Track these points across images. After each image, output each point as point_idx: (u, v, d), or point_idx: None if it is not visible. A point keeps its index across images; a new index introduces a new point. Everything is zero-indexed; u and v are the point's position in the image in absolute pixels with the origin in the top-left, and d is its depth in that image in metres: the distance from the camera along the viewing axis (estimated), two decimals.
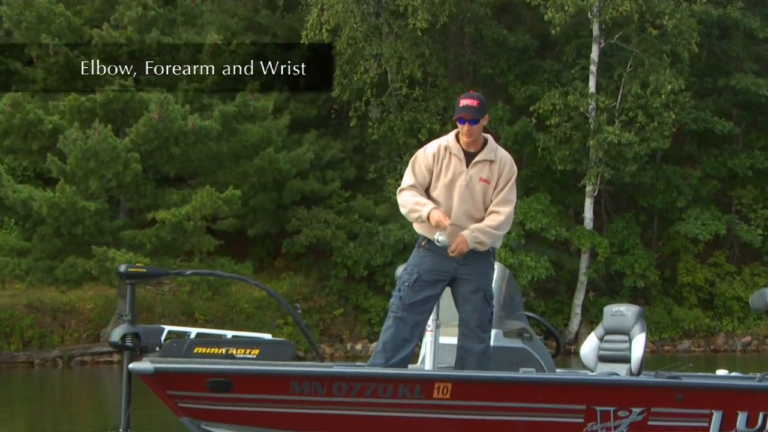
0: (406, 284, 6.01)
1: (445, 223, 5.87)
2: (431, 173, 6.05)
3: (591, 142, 22.80)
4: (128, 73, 19.17)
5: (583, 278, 24.08)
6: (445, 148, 6.03)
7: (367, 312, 23.44)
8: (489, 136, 6.17)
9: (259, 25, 26.72)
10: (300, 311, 21.85)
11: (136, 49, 19.45)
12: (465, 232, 5.93)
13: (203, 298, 21.16)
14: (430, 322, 6.13)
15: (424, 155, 6.08)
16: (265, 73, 22.23)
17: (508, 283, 6.65)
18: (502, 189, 6.04)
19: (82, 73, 18.60)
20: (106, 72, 18.71)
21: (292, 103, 25.05)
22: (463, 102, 6.04)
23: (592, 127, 23.14)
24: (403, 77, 23.13)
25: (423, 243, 6.06)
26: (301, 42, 23.26)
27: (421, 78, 22.90)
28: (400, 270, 6.22)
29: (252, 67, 20.28)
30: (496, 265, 6.47)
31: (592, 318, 23.67)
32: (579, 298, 24.10)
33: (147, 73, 19.42)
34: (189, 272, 7.11)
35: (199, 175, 20.50)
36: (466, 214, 6.01)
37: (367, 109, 24.49)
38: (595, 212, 24.23)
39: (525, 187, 24.46)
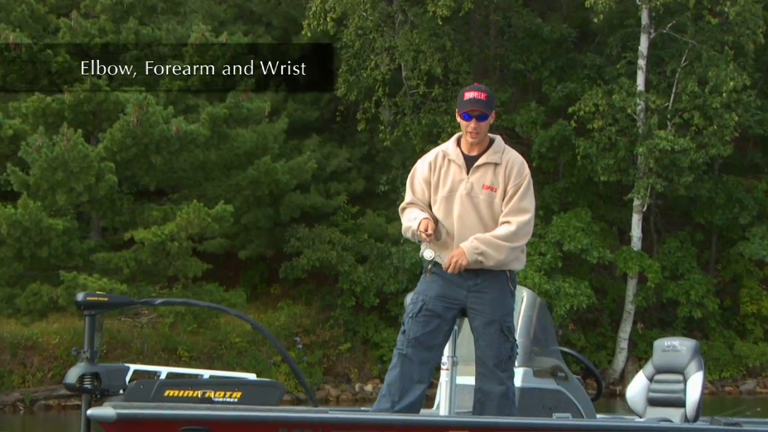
0: (410, 316, 5.94)
1: (423, 235, 5.78)
2: (430, 186, 6.02)
3: (639, 149, 22.44)
4: (101, 69, 18.77)
5: (630, 307, 23.75)
6: (443, 155, 5.99)
7: (379, 347, 23.09)
8: (496, 137, 6.07)
9: (252, 13, 26.78)
10: (300, 346, 22.29)
11: (111, 42, 19.22)
12: (464, 243, 5.83)
13: (187, 331, 20.96)
14: (444, 359, 6.05)
15: (422, 166, 6.06)
16: (259, 69, 22.21)
17: (538, 312, 6.60)
18: (513, 196, 5.90)
19: (48, 69, 18.32)
20: (76, 68, 18.42)
21: (290, 103, 25.02)
22: (469, 94, 5.96)
23: (640, 131, 22.78)
24: (420, 73, 22.82)
25: (429, 266, 5.98)
26: (302, 33, 23.01)
27: (441, 74, 22.57)
28: (408, 299, 6.16)
29: (244, 63, 20.09)
30: (525, 292, 6.51)
31: (640, 354, 23.50)
32: (625, 331, 23.81)
33: (123, 69, 19.05)
34: (159, 301, 6.89)
35: (183, 187, 20.21)
36: (471, 229, 5.91)
37: (378, 111, 24.30)
38: (643, 230, 23.89)
39: (562, 202, 24.26)
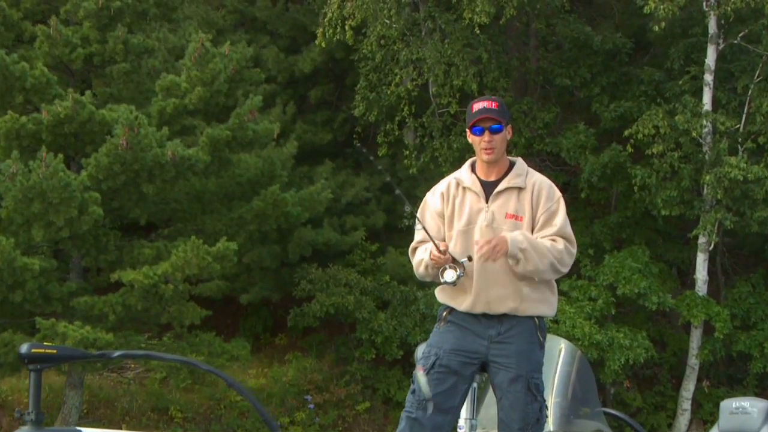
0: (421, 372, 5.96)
1: (435, 254, 5.77)
2: (444, 220, 6.06)
3: (706, 178, 22.21)
4: (85, 84, 18.80)
5: (693, 362, 23.51)
6: (457, 183, 6.04)
7: (402, 407, 22.62)
8: (517, 159, 6.10)
9: (254, 20, 26.96)
10: (312, 406, 22.05)
11: (96, 52, 19.01)
12: (510, 233, 5.79)
13: (180, 388, 20.94)
14: (461, 422, 6.08)
15: (432, 198, 6.13)
16: (263, 84, 22.23)
17: (579, 368, 6.71)
18: (550, 220, 5.89)
19: (22, 84, 18.02)
20: (55, 83, 18.27)
21: (299, 124, 25.25)
22: (478, 105, 5.98)
23: (707, 157, 22.56)
24: (452, 90, 22.66)
25: (444, 314, 6.01)
26: (316, 43, 23.03)
27: (476, 90, 22.34)
28: (419, 352, 6.23)
29: (249, 78, 20.29)
30: (564, 344, 6.80)
31: (705, 416, 23.35)
32: (688, 389, 23.57)
33: (110, 84, 19.11)
34: (117, 354, 6.63)
35: (177, 221, 20.06)
36: (494, 267, 5.87)
37: (402, 133, 24.28)
38: (710, 273, 23.69)
39: (615, 239, 24.05)
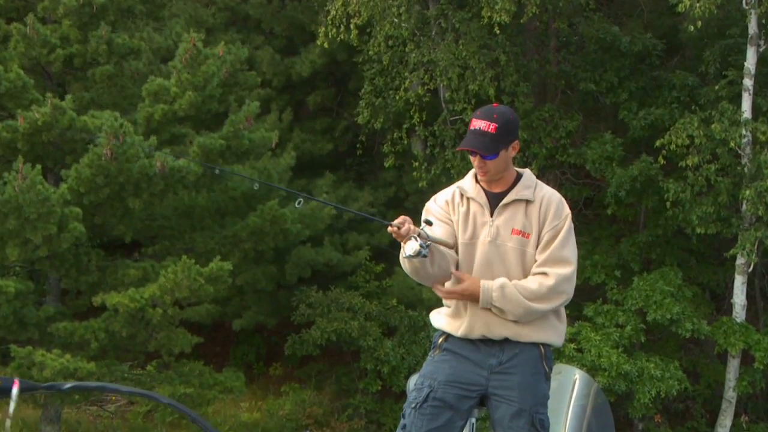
0: (413, 406, 5.88)
1: (395, 229, 5.56)
2: (451, 223, 6.01)
3: (746, 193, 22.09)
4: (64, 88, 18.74)
5: (731, 395, 23.36)
6: (461, 194, 6.00)
7: None
8: (525, 171, 6.07)
9: (247, 18, 27.11)
10: None
11: (76, 53, 19.06)
12: (486, 282, 5.77)
13: (167, 423, 20.87)
14: None
15: (435, 205, 6.07)
16: (258, 88, 22.24)
17: (595, 402, 6.63)
18: (551, 242, 5.83)
19: None
20: (32, 87, 18.27)
21: (296, 132, 25.15)
22: (475, 125, 5.85)
23: (747, 170, 22.47)
24: (466, 95, 22.64)
25: (440, 341, 5.97)
26: (317, 43, 23.02)
27: (493, 96, 22.36)
28: (411, 383, 6.16)
29: (244, 81, 20.24)
30: (578, 375, 6.64)
31: None
32: (724, 425, 23.40)
33: (91, 88, 19.09)
34: (67, 386, 6.59)
35: (163, 239, 20.07)
36: None
37: (410, 142, 24.21)
38: (749, 297, 23.50)
39: (644, 259, 23.96)
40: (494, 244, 5.82)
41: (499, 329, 5.81)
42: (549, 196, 5.92)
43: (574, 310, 23.03)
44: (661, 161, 22.76)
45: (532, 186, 5.93)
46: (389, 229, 5.57)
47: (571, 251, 5.85)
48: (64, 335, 18.01)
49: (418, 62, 23.14)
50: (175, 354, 19.11)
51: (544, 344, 5.85)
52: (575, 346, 21.49)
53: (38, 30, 18.73)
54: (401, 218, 5.60)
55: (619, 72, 24.50)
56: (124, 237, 19.19)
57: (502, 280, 5.76)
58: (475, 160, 5.82)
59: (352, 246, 24.10)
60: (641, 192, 23.39)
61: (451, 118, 23.78)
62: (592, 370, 21.02)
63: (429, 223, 5.72)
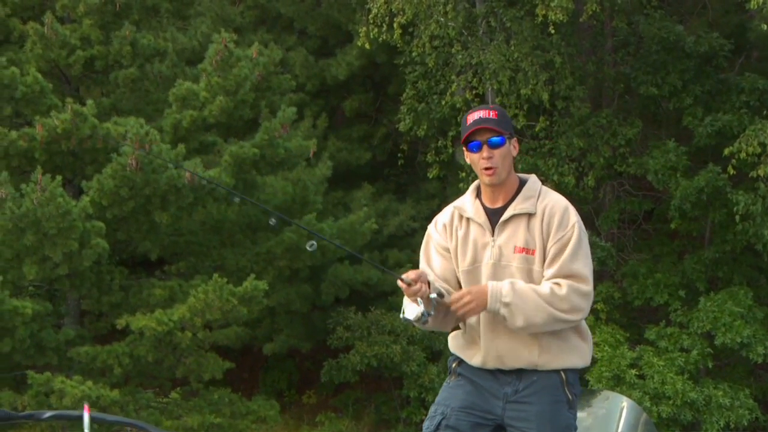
0: None
1: (403, 284, 5.52)
2: (449, 255, 5.93)
3: None
4: (85, 93, 18.79)
5: None
6: (460, 214, 5.91)
7: None
8: (530, 176, 5.95)
9: (278, 17, 27.07)
10: None
11: (98, 55, 19.10)
12: (494, 282, 5.65)
13: None
14: None
15: (435, 232, 6.00)
16: (290, 92, 22.12)
17: None
18: (558, 255, 5.68)
19: (11, 94, 18.06)
20: (50, 92, 18.27)
21: (331, 140, 25.05)
22: (472, 116, 5.79)
23: None
24: (518, 100, 22.44)
25: (454, 365, 5.97)
26: (358, 44, 22.90)
27: (547, 101, 22.12)
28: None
29: (279, 85, 20.23)
30: (626, 402, 6.61)
31: None
32: None
33: (115, 92, 19.18)
34: (47, 415, 6.95)
35: (190, 255, 20.10)
36: None
37: (455, 151, 24.06)
38: None
39: (710, 277, 23.70)
40: (498, 266, 5.74)
41: (512, 361, 5.75)
42: (552, 205, 5.77)
43: (635, 333, 22.79)
44: (731, 171, 22.47)
45: (534, 196, 5.80)
46: (399, 283, 5.51)
47: (583, 264, 5.68)
48: (86, 360, 18.01)
49: (466, 64, 22.98)
50: (204, 381, 19.12)
51: (565, 370, 5.78)
52: (636, 372, 21.30)
53: (57, 30, 18.76)
54: (415, 273, 5.55)
55: (683, 74, 24.19)
56: (149, 254, 19.19)
57: (507, 281, 5.65)
58: (481, 156, 5.72)
59: (392, 263, 23.88)
60: (707, 205, 23.07)
61: None
62: (655, 398, 20.85)
63: (441, 295, 5.63)
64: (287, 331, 23.47)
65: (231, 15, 25.48)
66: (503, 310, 5.58)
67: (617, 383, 20.94)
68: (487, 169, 5.72)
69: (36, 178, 16.84)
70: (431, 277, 5.69)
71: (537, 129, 23.31)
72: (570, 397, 5.78)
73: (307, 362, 25.17)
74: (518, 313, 5.57)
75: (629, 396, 20.33)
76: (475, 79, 23.01)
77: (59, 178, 17.16)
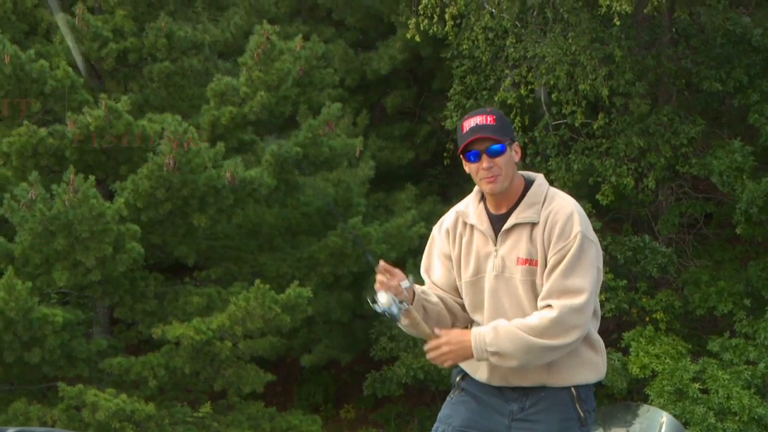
0: None
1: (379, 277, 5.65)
2: (452, 262, 5.92)
3: None
4: (118, 87, 18.87)
5: None
6: (463, 221, 5.88)
7: None
8: (536, 177, 5.86)
9: (315, 8, 27.05)
10: None
11: (131, 48, 19.15)
12: (475, 332, 5.59)
13: None
14: None
15: (440, 236, 5.98)
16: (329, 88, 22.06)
17: None
18: (554, 269, 5.57)
19: (41, 89, 17.98)
20: (81, 86, 18.28)
21: (372, 139, 24.90)
22: (468, 122, 5.70)
23: None
24: (576, 96, 22.16)
25: (457, 380, 5.95)
26: (408, 36, 22.47)
27: (606, 98, 21.86)
28: None
29: (321, 80, 20.25)
30: (666, 417, 6.61)
31: None
32: None
33: (150, 87, 19.18)
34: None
35: (227, 261, 20.01)
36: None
37: None
38: None
39: None
40: (502, 278, 5.70)
41: (519, 379, 5.72)
42: (556, 212, 5.64)
43: (697, 344, 22.55)
44: None
45: (539, 202, 5.69)
46: (377, 269, 5.63)
47: (580, 277, 5.53)
48: (119, 372, 17.93)
49: (520, 57, 22.69)
50: (244, 394, 19.01)
51: (576, 386, 5.73)
52: (700, 386, 21.00)
53: (88, 21, 18.77)
54: (391, 269, 5.64)
55: (750, 69, 23.84)
56: (184, 259, 19.09)
57: (495, 322, 5.59)
58: (480, 167, 5.63)
59: None
60: None
61: (553, 123, 23.39)
62: (720, 413, 20.59)
63: (407, 308, 5.62)
64: (326, 341, 23.29)
65: (265, 6, 25.25)
66: (492, 359, 5.55)
67: (679, 398, 20.68)
68: (487, 179, 5.63)
69: (68, 178, 16.68)
70: (418, 289, 5.68)
71: (595, 127, 23.08)
72: (582, 414, 5.72)
73: (345, 374, 25.02)
74: (509, 358, 5.51)
75: (692, 412, 20.18)
76: (530, 74, 22.78)
77: (92, 178, 17.04)
